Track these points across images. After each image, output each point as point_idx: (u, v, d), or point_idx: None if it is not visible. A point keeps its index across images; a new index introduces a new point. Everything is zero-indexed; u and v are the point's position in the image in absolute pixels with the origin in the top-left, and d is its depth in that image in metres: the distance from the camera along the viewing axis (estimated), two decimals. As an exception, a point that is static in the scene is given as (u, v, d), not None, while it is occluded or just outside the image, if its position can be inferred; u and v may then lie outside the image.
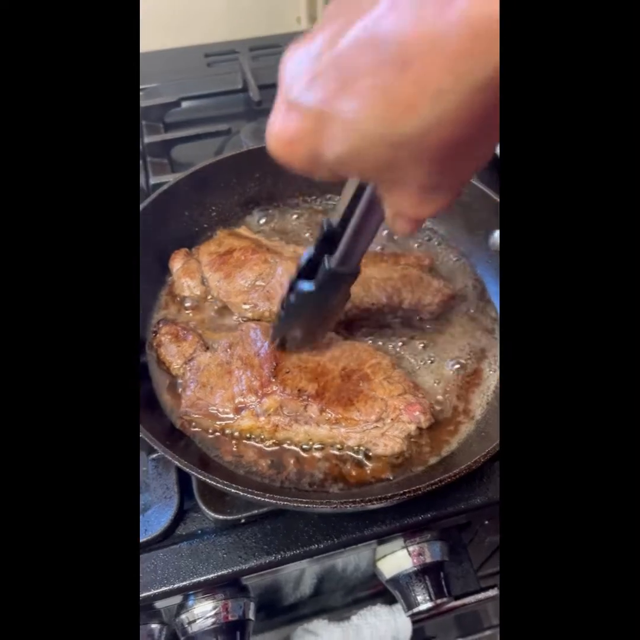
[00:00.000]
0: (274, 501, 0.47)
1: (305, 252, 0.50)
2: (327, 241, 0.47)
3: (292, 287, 0.52)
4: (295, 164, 0.32)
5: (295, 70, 0.30)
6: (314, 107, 0.29)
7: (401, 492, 0.48)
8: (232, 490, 0.48)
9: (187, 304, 0.70)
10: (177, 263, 0.70)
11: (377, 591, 0.86)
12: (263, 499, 0.48)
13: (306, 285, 0.50)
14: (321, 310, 0.54)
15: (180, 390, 0.63)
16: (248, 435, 0.59)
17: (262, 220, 0.79)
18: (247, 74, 1.04)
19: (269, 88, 1.01)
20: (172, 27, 1.18)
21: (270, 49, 1.14)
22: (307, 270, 0.50)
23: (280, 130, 0.31)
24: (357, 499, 0.47)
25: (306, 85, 0.29)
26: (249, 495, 0.47)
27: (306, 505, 0.48)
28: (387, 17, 0.26)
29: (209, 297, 0.70)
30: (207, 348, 0.66)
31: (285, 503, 0.47)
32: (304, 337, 0.59)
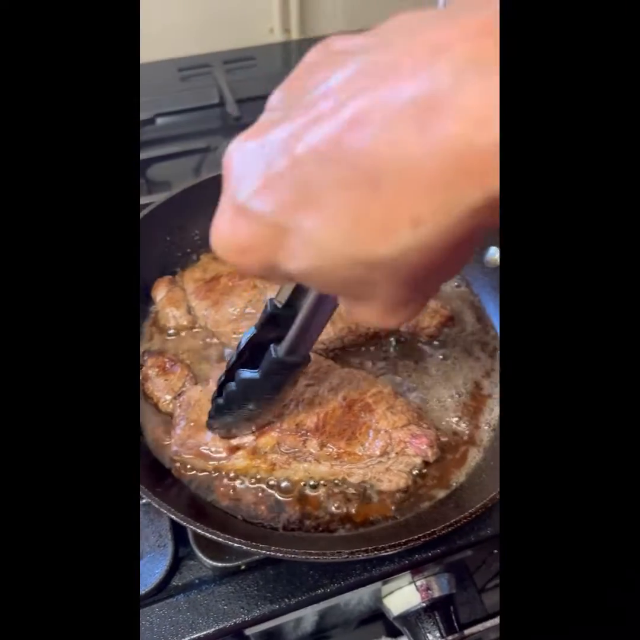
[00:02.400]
0: (281, 554, 0.44)
1: (246, 333, 0.45)
2: (271, 323, 0.43)
3: (231, 375, 0.47)
4: (247, 272, 0.28)
5: (245, 169, 0.26)
6: (268, 218, 0.25)
7: (416, 537, 0.45)
8: (235, 545, 0.44)
9: (173, 334, 0.66)
10: (160, 292, 0.67)
11: (378, 617, 0.83)
12: (268, 552, 0.44)
13: (249, 374, 0.45)
14: (266, 398, 0.49)
15: (170, 428, 0.59)
16: (244, 475, 0.56)
17: (248, 242, 0.76)
18: (223, 88, 1.01)
19: (247, 102, 0.98)
20: (143, 41, 1.14)
21: (244, 62, 1.11)
22: (249, 354, 0.46)
23: (229, 237, 0.27)
24: (369, 548, 0.44)
25: (258, 191, 0.25)
26: (253, 549, 0.44)
27: (316, 558, 0.45)
28: (354, 132, 0.22)
29: (197, 326, 0.66)
30: (197, 381, 0.62)
31: (292, 556, 0.44)
32: (245, 424, 0.54)
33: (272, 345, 0.43)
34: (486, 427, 0.59)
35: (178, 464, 0.56)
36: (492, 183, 0.21)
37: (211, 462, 0.56)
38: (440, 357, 0.64)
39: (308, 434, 0.55)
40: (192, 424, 0.57)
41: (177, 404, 0.60)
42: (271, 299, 0.42)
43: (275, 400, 0.50)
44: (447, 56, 0.21)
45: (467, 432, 0.59)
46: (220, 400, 0.50)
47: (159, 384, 0.62)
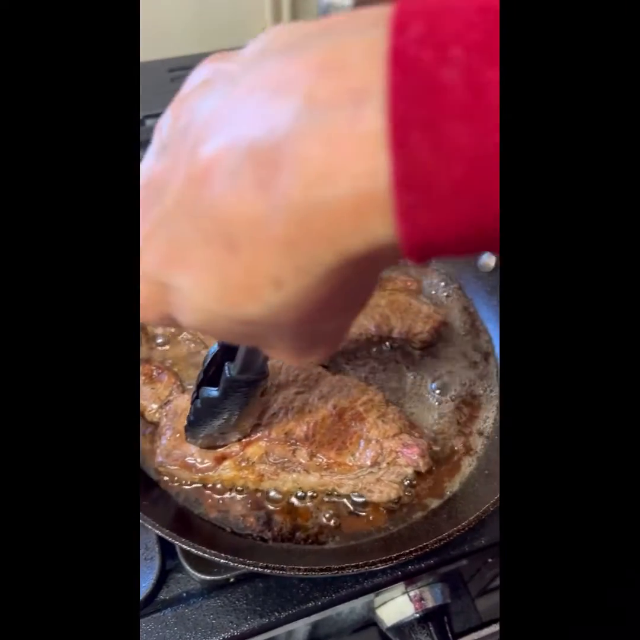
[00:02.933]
0: (268, 571, 0.43)
1: (211, 349, 0.45)
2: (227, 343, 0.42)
3: (198, 389, 0.47)
4: (154, 325, 0.28)
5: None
6: (151, 275, 0.24)
7: (407, 551, 0.44)
8: (222, 560, 0.43)
9: (160, 341, 0.65)
10: (147, 298, 0.65)
11: (372, 624, 0.82)
12: (256, 568, 0.43)
13: (211, 392, 0.45)
14: (232, 413, 0.48)
15: (155, 437, 0.58)
16: (232, 487, 0.54)
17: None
18: (213, 88, 0.99)
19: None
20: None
21: (235, 61, 1.10)
22: (215, 369, 0.45)
23: None
24: (360, 563, 0.43)
25: (142, 245, 0.24)
26: (240, 565, 0.43)
27: (305, 574, 0.43)
28: (206, 185, 0.20)
29: (184, 333, 0.65)
30: (185, 389, 0.61)
31: (280, 573, 0.43)
32: (222, 437, 0.53)
33: (226, 364, 0.42)
34: (480, 435, 0.58)
35: (166, 478, 0.55)
36: (344, 244, 0.19)
37: (197, 474, 0.55)
38: (433, 362, 0.63)
39: (297, 443, 0.53)
40: (178, 434, 0.55)
41: (164, 413, 0.58)
42: None
43: (243, 415, 0.49)
44: (289, 94, 0.19)
45: (460, 440, 0.58)
46: (191, 417, 0.49)
47: (145, 393, 0.61)
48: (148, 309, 0.26)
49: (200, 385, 0.46)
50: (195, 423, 0.49)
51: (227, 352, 0.44)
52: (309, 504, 0.54)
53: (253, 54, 0.23)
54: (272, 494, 0.54)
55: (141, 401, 0.60)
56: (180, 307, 0.24)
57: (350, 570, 0.43)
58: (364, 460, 0.52)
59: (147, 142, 0.89)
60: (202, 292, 0.22)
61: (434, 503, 0.54)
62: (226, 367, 0.42)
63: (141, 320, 0.27)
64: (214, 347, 0.45)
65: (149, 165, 0.25)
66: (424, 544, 0.44)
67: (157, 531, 0.45)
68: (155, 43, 1.15)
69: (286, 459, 0.53)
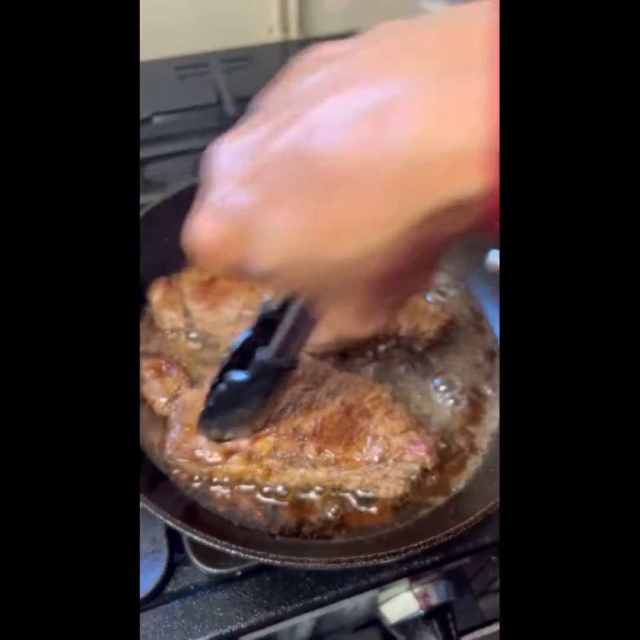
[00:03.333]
0: (278, 562, 0.43)
1: (241, 335, 0.45)
2: (265, 326, 0.42)
3: (222, 374, 0.47)
4: (221, 271, 0.29)
5: (225, 169, 0.27)
6: (241, 214, 0.26)
7: (415, 545, 0.44)
8: (232, 552, 0.44)
9: (170, 336, 0.65)
10: (156, 294, 0.66)
11: (374, 623, 0.82)
12: (265, 560, 0.44)
13: (239, 375, 0.45)
14: (256, 401, 0.49)
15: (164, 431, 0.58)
16: (240, 481, 0.55)
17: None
18: (221, 87, 1.00)
19: (245, 101, 0.97)
20: (140, 39, 1.13)
21: (242, 61, 1.10)
22: (242, 356, 0.45)
23: (204, 235, 0.27)
24: (368, 556, 0.44)
25: (234, 189, 0.26)
26: (250, 556, 0.43)
27: (314, 566, 0.44)
28: (312, 137, 0.22)
29: (193, 328, 0.65)
30: (193, 384, 0.61)
31: (289, 564, 0.43)
32: (237, 429, 0.53)
33: (259, 348, 0.43)
34: (485, 434, 0.59)
35: (176, 471, 0.55)
36: (440, 193, 0.21)
37: (206, 467, 0.55)
38: (440, 361, 0.64)
39: (305, 439, 0.54)
40: (187, 428, 0.56)
41: (173, 407, 0.59)
42: (264, 302, 0.42)
43: (264, 404, 0.49)
44: (407, 63, 0.21)
45: (466, 438, 0.58)
46: (211, 402, 0.49)
47: (154, 386, 0.61)
48: (225, 251, 0.27)
49: (224, 370, 0.47)
50: (213, 410, 0.50)
51: (258, 338, 0.44)
52: (316, 499, 0.54)
53: (361, 39, 0.25)
54: (280, 488, 0.55)
55: (150, 395, 0.61)
56: (263, 249, 0.25)
57: (358, 563, 0.44)
58: (371, 456, 0.53)
59: (156, 139, 0.89)
60: (292, 232, 0.24)
61: (440, 500, 0.55)
62: (259, 351, 0.42)
63: (211, 265, 0.28)
64: (246, 333, 0.45)
65: (252, 123, 0.26)
66: (432, 537, 0.44)
67: (168, 522, 0.45)
68: (162, 42, 1.15)
69: (294, 454, 0.54)
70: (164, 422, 0.59)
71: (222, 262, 0.28)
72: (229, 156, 0.27)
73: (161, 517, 0.46)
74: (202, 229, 0.27)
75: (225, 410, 0.49)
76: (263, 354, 0.42)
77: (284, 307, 0.40)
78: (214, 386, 0.48)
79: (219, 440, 0.54)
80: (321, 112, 0.22)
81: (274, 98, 0.27)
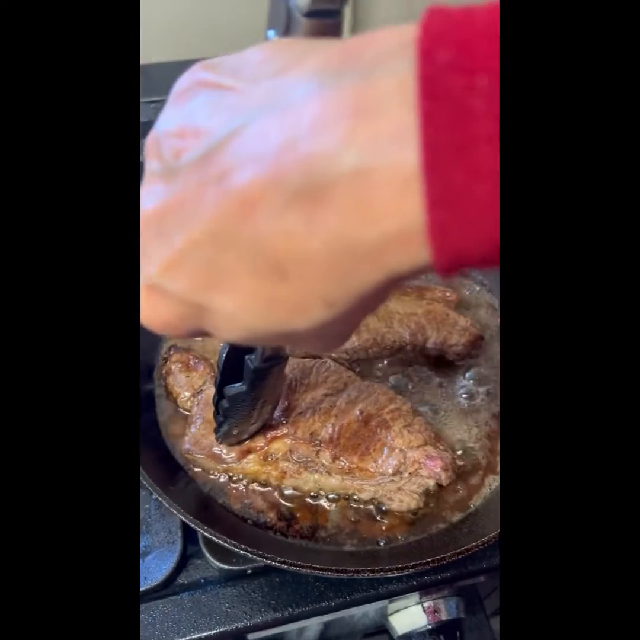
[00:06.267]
0: (285, 566, 0.44)
1: (222, 349, 0.46)
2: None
3: (221, 393, 0.47)
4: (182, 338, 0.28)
5: (147, 244, 0.24)
6: (182, 296, 0.24)
7: (424, 561, 0.44)
8: (241, 551, 0.44)
9: (199, 332, 0.67)
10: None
11: (384, 631, 0.82)
12: (273, 563, 0.44)
13: (235, 388, 0.46)
14: (262, 398, 0.49)
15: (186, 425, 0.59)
16: (254, 480, 0.56)
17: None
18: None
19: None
20: (143, 43, 1.13)
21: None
22: (231, 369, 0.46)
23: (151, 315, 0.26)
24: (376, 568, 0.44)
25: (165, 270, 0.24)
26: (258, 558, 0.44)
27: (320, 573, 0.44)
28: (247, 218, 0.21)
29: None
30: (218, 381, 0.62)
31: (297, 569, 0.44)
32: (253, 428, 0.54)
33: (246, 357, 0.43)
34: (507, 453, 0.58)
35: (194, 466, 0.57)
36: (391, 268, 0.21)
37: (222, 464, 0.56)
38: (466, 376, 0.63)
39: (321, 444, 0.54)
40: (208, 424, 0.57)
41: (196, 402, 0.60)
42: None
43: (270, 398, 0.51)
44: (330, 134, 0.19)
45: (485, 457, 0.57)
46: (220, 418, 0.50)
47: (180, 380, 0.63)
48: (179, 326, 0.26)
49: (220, 387, 0.47)
50: (225, 424, 0.51)
51: (239, 349, 0.44)
52: (329, 505, 0.55)
53: (258, 69, 0.23)
54: (293, 492, 0.55)
55: (175, 388, 0.62)
56: (218, 325, 0.25)
57: (365, 574, 0.44)
58: (386, 467, 0.53)
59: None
60: (247, 313, 0.23)
61: (455, 517, 0.54)
62: (247, 360, 0.43)
63: (169, 336, 0.28)
64: (224, 346, 0.46)
65: (157, 190, 0.24)
66: (442, 555, 0.44)
67: (182, 517, 0.46)
68: (165, 46, 1.16)
69: (309, 459, 0.54)
70: (187, 416, 0.60)
71: (178, 335, 0.27)
72: (150, 223, 0.24)
73: (175, 512, 0.46)
74: (145, 309, 0.26)
75: (235, 421, 0.50)
76: (252, 362, 0.43)
77: None
78: (217, 404, 0.50)
79: (240, 442, 0.55)
80: (245, 189, 0.21)
81: (170, 145, 0.24)
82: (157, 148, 0.25)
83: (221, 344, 0.48)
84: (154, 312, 0.26)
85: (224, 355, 0.46)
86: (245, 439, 0.55)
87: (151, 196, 0.24)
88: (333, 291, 0.22)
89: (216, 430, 0.53)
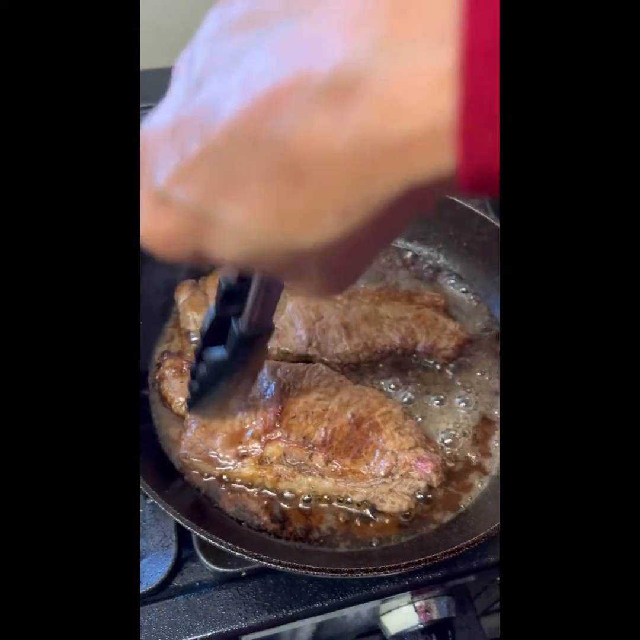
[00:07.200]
0: (281, 567, 0.44)
1: (207, 315, 0.45)
2: (228, 300, 0.42)
3: (200, 357, 0.47)
4: (178, 261, 0.27)
5: (159, 151, 0.24)
6: (190, 207, 0.23)
7: (416, 560, 0.45)
8: (237, 553, 0.45)
9: (193, 338, 0.67)
10: (182, 295, 0.68)
11: (376, 632, 0.83)
12: (268, 564, 0.45)
13: (217, 352, 0.45)
14: (240, 372, 0.49)
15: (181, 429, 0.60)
16: (250, 484, 0.56)
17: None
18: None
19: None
20: (143, 48, 1.13)
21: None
22: (213, 335, 0.45)
23: (153, 228, 0.25)
24: (370, 568, 0.45)
25: (175, 179, 0.23)
26: (254, 559, 0.45)
27: (315, 573, 0.45)
28: (270, 117, 0.20)
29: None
30: (211, 386, 0.63)
31: (292, 570, 0.45)
32: (226, 402, 0.54)
33: (233, 321, 0.43)
34: (496, 454, 0.59)
35: (190, 469, 0.57)
36: (413, 173, 0.20)
37: (218, 468, 0.57)
38: (455, 380, 0.64)
39: (314, 448, 0.55)
40: (203, 428, 0.58)
41: (190, 407, 0.60)
42: (223, 276, 0.42)
43: (248, 374, 0.50)
44: (364, 33, 0.19)
45: (475, 458, 0.59)
46: (195, 385, 0.50)
47: (174, 385, 0.63)
48: (179, 243, 0.25)
49: (201, 351, 0.47)
50: (200, 392, 0.50)
51: (224, 313, 0.44)
52: (322, 507, 0.56)
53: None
54: (288, 494, 0.56)
55: (169, 393, 0.63)
56: (222, 240, 0.24)
57: (359, 574, 0.45)
58: (378, 470, 0.54)
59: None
60: (258, 223, 0.22)
61: (446, 517, 0.55)
62: (233, 325, 0.42)
63: (166, 257, 0.26)
64: (210, 311, 0.45)
65: (180, 101, 0.23)
66: (433, 555, 0.45)
67: (178, 519, 0.47)
68: (166, 50, 1.15)
69: (303, 462, 0.55)
70: (182, 420, 0.61)
71: (176, 255, 0.26)
72: (165, 134, 0.24)
73: (171, 515, 0.47)
74: (148, 223, 0.25)
75: (211, 390, 0.50)
76: (239, 326, 0.42)
77: (242, 277, 0.40)
78: (193, 372, 0.49)
79: (216, 418, 0.55)
80: (271, 87, 0.20)
81: (203, 60, 0.23)
82: (188, 63, 0.24)
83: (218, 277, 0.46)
84: (156, 225, 0.25)
85: (208, 318, 0.45)
86: (225, 416, 0.55)
87: (167, 111, 0.24)
88: (350, 198, 0.21)
89: (189, 402, 0.53)
